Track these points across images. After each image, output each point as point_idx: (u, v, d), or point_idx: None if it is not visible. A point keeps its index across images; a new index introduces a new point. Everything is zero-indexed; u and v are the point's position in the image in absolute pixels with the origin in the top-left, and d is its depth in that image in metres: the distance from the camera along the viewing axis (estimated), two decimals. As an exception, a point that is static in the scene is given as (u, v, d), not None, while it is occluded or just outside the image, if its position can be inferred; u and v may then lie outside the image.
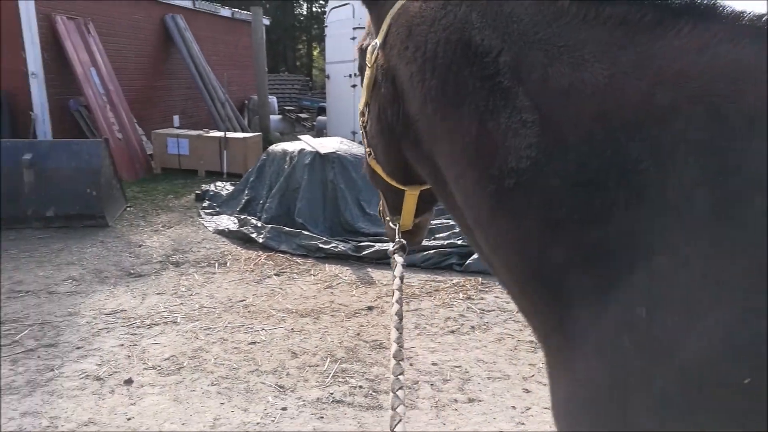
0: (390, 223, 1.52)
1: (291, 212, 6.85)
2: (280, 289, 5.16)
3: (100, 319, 4.43)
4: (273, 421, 3.18)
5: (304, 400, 3.38)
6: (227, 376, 3.63)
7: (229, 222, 7.13)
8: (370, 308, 4.76)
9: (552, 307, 1.07)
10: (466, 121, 1.13)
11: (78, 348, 3.99)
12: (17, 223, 6.61)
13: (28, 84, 8.67)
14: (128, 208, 7.79)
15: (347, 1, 10.21)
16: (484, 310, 4.79)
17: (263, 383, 3.55)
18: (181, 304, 4.76)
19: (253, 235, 6.42)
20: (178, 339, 4.13)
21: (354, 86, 10.32)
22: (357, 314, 4.64)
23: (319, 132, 12.13)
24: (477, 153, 1.12)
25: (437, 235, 6.25)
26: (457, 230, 6.20)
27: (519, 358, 3.97)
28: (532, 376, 3.76)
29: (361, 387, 3.55)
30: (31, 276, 5.32)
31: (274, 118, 16.34)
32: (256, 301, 4.86)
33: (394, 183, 1.39)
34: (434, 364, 3.88)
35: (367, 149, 1.38)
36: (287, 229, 6.43)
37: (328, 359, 3.87)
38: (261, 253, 6.13)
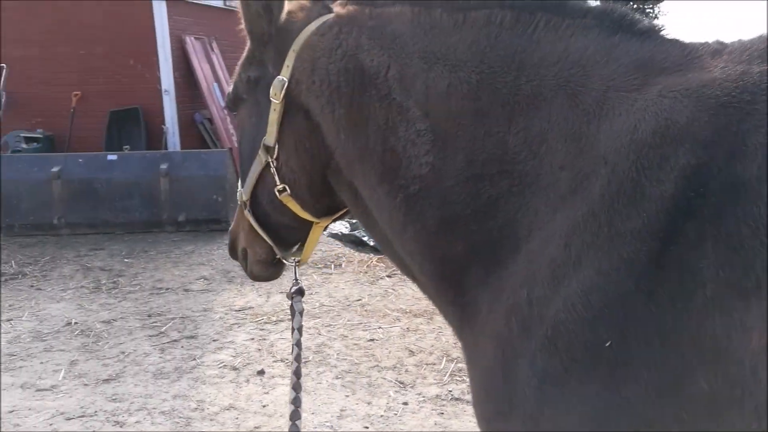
0: (283, 260, 1.51)
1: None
2: (393, 290, 5.33)
3: (231, 315, 4.81)
4: (396, 414, 3.32)
5: (424, 396, 3.50)
6: (350, 371, 3.83)
7: (341, 226, 7.43)
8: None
9: (459, 302, 1.14)
10: (371, 141, 1.22)
11: (214, 341, 4.37)
12: (154, 227, 7.29)
13: (161, 100, 9.51)
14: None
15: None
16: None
17: (384, 378, 3.72)
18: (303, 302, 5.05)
19: (365, 239, 6.65)
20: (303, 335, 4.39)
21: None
22: (427, 316, 4.69)
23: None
24: (384, 167, 1.21)
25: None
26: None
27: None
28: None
29: (478, 386, 3.61)
30: (169, 275, 5.86)
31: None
32: (372, 300, 5.06)
33: (307, 217, 1.38)
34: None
35: (279, 186, 1.32)
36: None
37: (444, 358, 3.97)
38: (372, 255, 6.34)
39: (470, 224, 1.10)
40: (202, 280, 5.73)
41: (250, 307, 4.97)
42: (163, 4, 9.16)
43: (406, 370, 3.82)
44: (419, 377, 3.73)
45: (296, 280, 1.56)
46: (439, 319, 4.58)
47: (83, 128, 9.25)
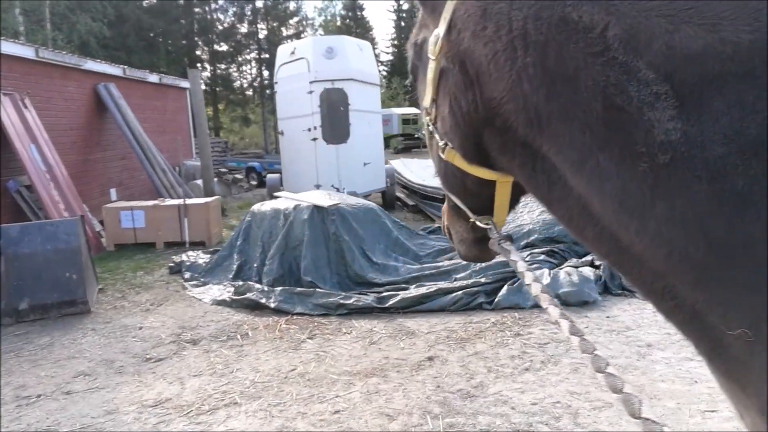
0: (478, 223, 1.38)
1: (294, 271, 6.54)
2: (324, 352, 4.83)
3: (147, 413, 3.91)
4: (417, 491, 2.90)
5: (434, 464, 3.13)
6: (335, 452, 3.30)
7: (223, 291, 6.67)
8: (430, 359, 4.55)
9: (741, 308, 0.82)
10: (583, 97, 1.00)
11: (141, 449, 3.49)
12: (-15, 321, 5.81)
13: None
14: (99, 290, 7.10)
15: (301, 56, 10.18)
16: (540, 344, 4.73)
17: (379, 453, 3.26)
18: (228, 383, 4.33)
19: (263, 301, 6.03)
20: (253, 420, 3.72)
21: (315, 139, 10.20)
22: (421, 366, 4.42)
23: (272, 190, 11.80)
24: (609, 130, 0.99)
25: (457, 276, 6.17)
26: (477, 268, 6.16)
27: (609, 386, 3.91)
28: (632, 401, 3.71)
29: (480, 440, 3.34)
30: (33, 378, 4.65)
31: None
32: (308, 368, 4.51)
33: (483, 172, 1.26)
34: (534, 403, 3.74)
35: (441, 143, 1.26)
36: (299, 289, 6.11)
37: (428, 416, 3.63)
38: (277, 318, 5.75)
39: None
40: (81, 377, 4.63)
41: (167, 399, 4.10)
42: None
43: (397, 438, 3.41)
44: (415, 443, 3.35)
45: (498, 233, 1.32)
46: (394, 376, 4.25)
47: None
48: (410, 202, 12.16)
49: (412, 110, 34.40)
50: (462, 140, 1.21)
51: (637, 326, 4.99)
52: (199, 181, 13.72)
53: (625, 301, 5.67)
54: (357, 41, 11.32)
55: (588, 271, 5.96)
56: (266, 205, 7.40)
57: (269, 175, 12.37)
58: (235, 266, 7.04)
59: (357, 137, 10.46)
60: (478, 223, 1.36)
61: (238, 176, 17.82)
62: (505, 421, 3.53)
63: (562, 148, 1.02)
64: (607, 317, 5.26)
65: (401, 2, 60.51)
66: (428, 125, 1.27)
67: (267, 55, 43.94)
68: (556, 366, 4.30)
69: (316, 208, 6.74)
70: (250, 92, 46.08)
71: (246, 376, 4.42)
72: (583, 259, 6.48)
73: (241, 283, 6.59)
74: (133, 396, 4.20)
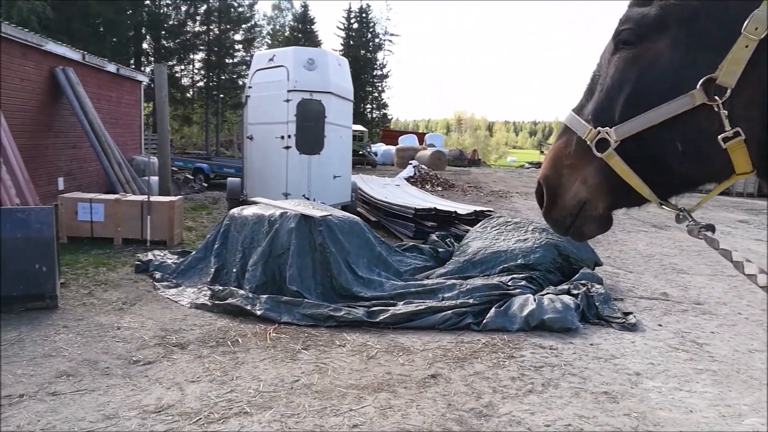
0: (664, 207, 1.39)
1: (277, 279, 6.41)
2: (323, 364, 4.76)
3: (152, 419, 3.71)
4: None
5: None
6: (365, 467, 3.25)
7: (199, 294, 6.44)
8: (433, 376, 4.58)
9: None
10: None
11: (153, 457, 3.31)
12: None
13: None
14: (62, 284, 6.67)
15: (280, 64, 10.07)
16: (535, 367, 4.86)
17: (411, 469, 3.24)
18: (231, 390, 4.18)
19: (248, 307, 5.86)
20: (269, 431, 3.61)
21: (287, 148, 10.08)
22: (427, 384, 4.44)
23: (232, 194, 11.51)
24: None
25: (446, 295, 6.24)
26: (464, 289, 6.26)
27: (611, 410, 4.08)
28: (635, 427, 3.88)
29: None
30: (9, 376, 4.31)
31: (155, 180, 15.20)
32: (312, 379, 4.43)
33: (745, 169, 1.25)
34: (547, 425, 3.84)
35: (729, 131, 1.20)
36: (286, 298, 5.99)
37: (450, 434, 3.65)
38: (264, 326, 5.61)
39: None
40: (65, 377, 4.33)
41: (169, 405, 3.91)
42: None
43: (424, 455, 3.41)
44: (444, 460, 3.35)
45: (694, 220, 1.33)
46: (402, 392, 4.25)
47: None
48: (372, 218, 12.18)
49: (358, 127, 34.51)
50: None
51: (622, 355, 5.22)
52: (153, 179, 13.18)
53: (602, 330, 5.92)
54: (336, 56, 11.34)
55: (568, 299, 6.19)
56: (248, 210, 7.23)
57: (230, 179, 12.08)
58: (212, 270, 6.81)
59: (330, 150, 10.43)
60: (665, 207, 1.38)
61: (189, 176, 17.25)
62: (524, 442, 3.61)
63: None
64: (591, 344, 5.48)
65: (352, 21, 60.96)
66: (709, 106, 1.20)
67: (214, 57, 43.04)
68: (557, 389, 4.43)
69: (304, 218, 6.65)
70: (190, 93, 44.82)
71: (248, 385, 4.28)
72: (560, 287, 6.73)
73: (221, 287, 6.39)
74: (131, 401, 3.98)
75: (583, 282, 6.78)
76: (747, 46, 1.14)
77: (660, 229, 13.24)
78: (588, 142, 1.39)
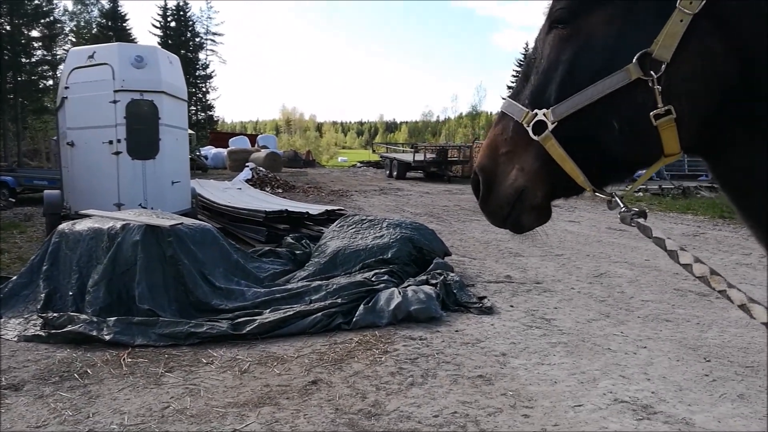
0: (597, 193, 1.36)
1: (125, 299, 5.78)
2: (193, 385, 4.37)
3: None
4: None
5: None
6: None
7: (28, 325, 5.58)
8: (314, 382, 4.44)
9: None
10: None
11: None
12: None
13: None
14: None
15: (103, 62, 9.08)
16: (410, 359, 4.95)
17: None
18: (90, 430, 3.65)
19: (94, 333, 5.19)
20: None
21: (117, 153, 9.15)
22: (309, 391, 4.29)
23: (51, 209, 10.18)
24: None
25: (313, 297, 6.10)
26: (331, 289, 6.18)
27: (489, 392, 4.29)
28: (513, 405, 4.12)
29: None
30: None
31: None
32: (185, 403, 4.04)
33: (674, 150, 1.26)
34: (435, 416, 3.91)
35: (661, 108, 1.20)
36: (138, 318, 5.41)
37: None
38: (116, 352, 5.01)
39: None
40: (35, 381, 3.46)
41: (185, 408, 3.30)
42: None
43: None
44: None
45: (626, 206, 1.31)
46: (285, 403, 4.11)
47: None
48: (217, 225, 11.58)
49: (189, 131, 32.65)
50: (707, 107, 1.19)
51: (485, 338, 5.53)
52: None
53: (463, 316, 6.21)
54: (167, 53, 10.53)
55: (428, 289, 6.41)
56: (81, 225, 6.42)
57: (47, 192, 10.67)
58: (42, 295, 5.93)
59: (166, 153, 9.70)
60: (598, 194, 1.34)
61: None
62: (418, 435, 3.63)
63: None
64: (456, 331, 5.72)
65: (168, 19, 57.53)
66: (644, 81, 1.19)
67: (7, 56, 37.82)
68: (435, 379, 4.54)
69: (150, 229, 6.08)
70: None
71: (110, 420, 3.78)
72: (419, 278, 6.95)
73: (55, 314, 5.58)
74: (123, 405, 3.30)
75: (438, 272, 7.08)
76: (682, 20, 1.15)
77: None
78: (525, 126, 1.33)
